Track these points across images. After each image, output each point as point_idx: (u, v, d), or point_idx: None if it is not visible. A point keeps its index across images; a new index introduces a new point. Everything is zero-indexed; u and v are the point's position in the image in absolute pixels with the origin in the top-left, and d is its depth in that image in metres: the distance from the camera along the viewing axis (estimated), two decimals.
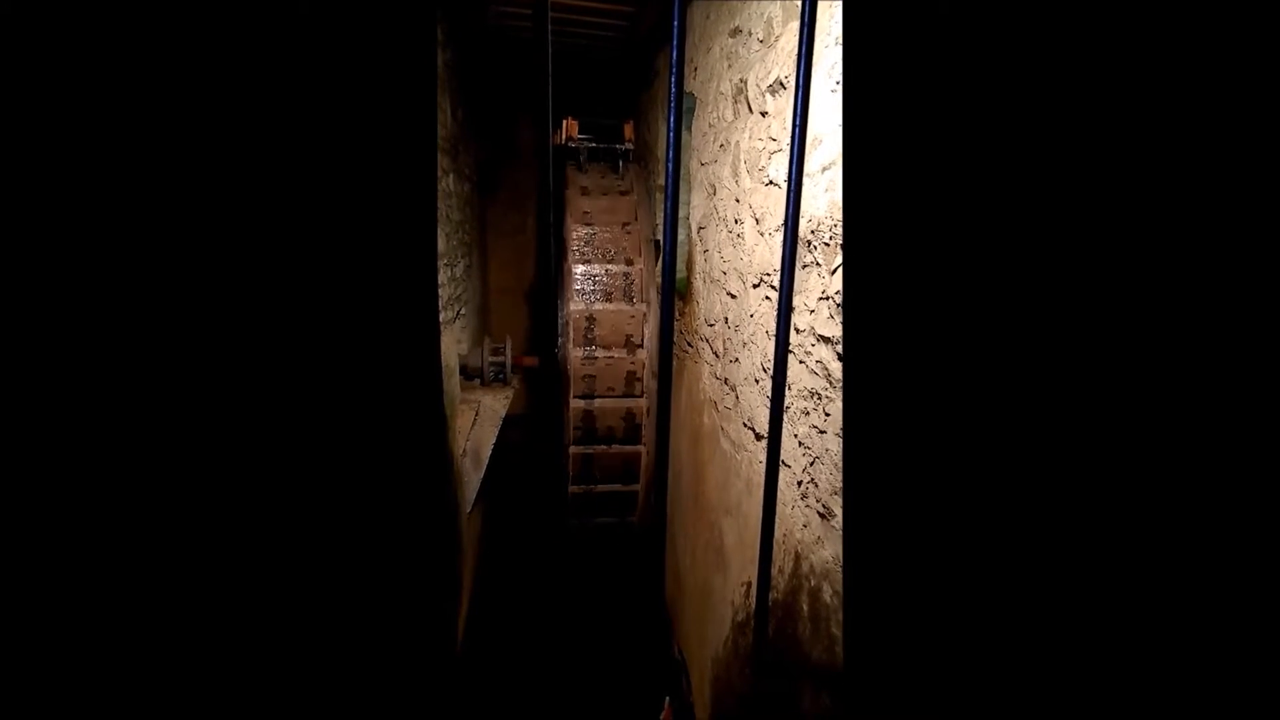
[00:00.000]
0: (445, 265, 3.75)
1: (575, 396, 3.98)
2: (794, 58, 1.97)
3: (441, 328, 3.57)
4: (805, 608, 1.87)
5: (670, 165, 0.72)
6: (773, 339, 2.11)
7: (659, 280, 4.10)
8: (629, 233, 3.91)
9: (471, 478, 3.94)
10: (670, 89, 0.69)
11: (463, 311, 4.42)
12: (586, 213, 3.97)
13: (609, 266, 3.90)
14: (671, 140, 0.72)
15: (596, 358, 3.91)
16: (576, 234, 3.92)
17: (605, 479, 4.11)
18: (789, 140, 1.97)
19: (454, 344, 4.04)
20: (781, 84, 2.15)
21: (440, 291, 3.55)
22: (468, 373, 4.12)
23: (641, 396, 3.96)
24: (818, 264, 1.80)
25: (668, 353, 0.82)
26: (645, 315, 3.85)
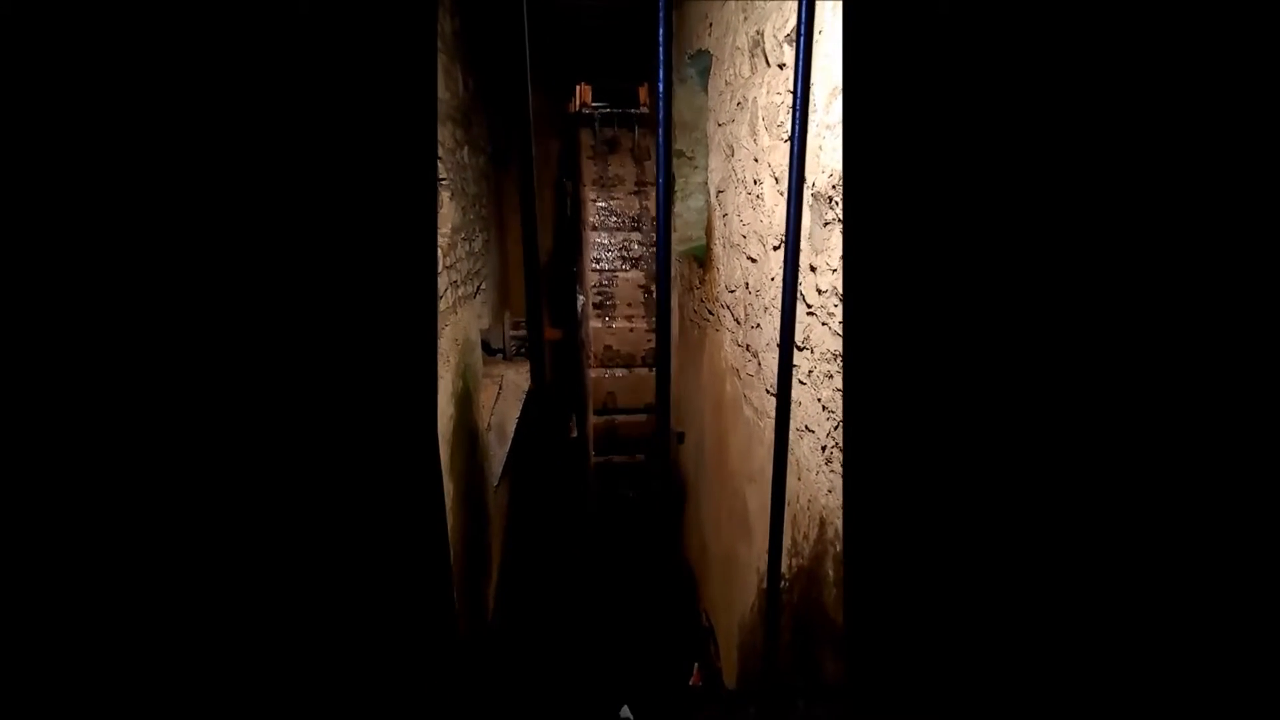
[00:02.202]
0: (464, 239, 3.73)
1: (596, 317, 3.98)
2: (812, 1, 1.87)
3: (462, 302, 3.56)
4: (831, 574, 1.84)
5: (662, 174, 0.66)
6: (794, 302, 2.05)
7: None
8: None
9: (496, 452, 3.97)
10: (659, 104, 0.63)
11: (483, 286, 4.40)
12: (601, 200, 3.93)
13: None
14: (662, 145, 0.67)
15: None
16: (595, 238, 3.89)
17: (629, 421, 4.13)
18: (810, 91, 1.88)
19: (475, 319, 4.05)
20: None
21: (459, 266, 3.53)
22: (489, 348, 4.13)
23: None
24: (840, 221, 1.72)
25: (665, 337, 0.78)
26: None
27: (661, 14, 0.65)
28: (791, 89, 2.14)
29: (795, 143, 0.76)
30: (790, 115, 2.17)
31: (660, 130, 0.66)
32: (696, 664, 3.53)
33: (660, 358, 0.75)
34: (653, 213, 3.92)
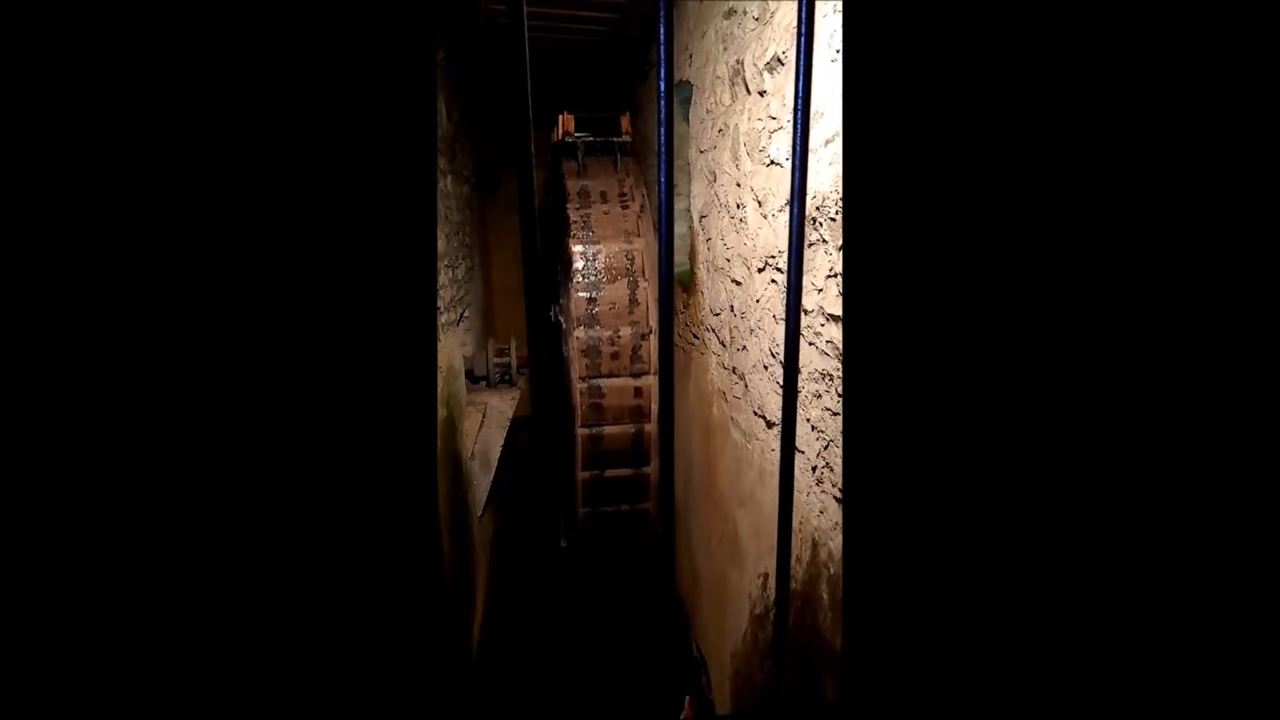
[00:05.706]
0: (447, 266, 3.72)
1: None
2: (792, 33, 1.91)
3: (445, 330, 3.53)
4: (825, 596, 1.82)
5: (663, 188, 0.67)
6: (780, 323, 2.05)
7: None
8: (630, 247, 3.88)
9: (480, 480, 3.89)
10: (660, 99, 0.64)
11: (466, 314, 4.38)
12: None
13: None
14: (664, 148, 0.67)
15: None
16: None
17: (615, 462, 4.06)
18: (790, 117, 1.91)
19: (458, 346, 4.01)
20: (779, 60, 2.09)
21: (442, 293, 3.51)
22: (473, 375, 4.09)
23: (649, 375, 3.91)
24: (824, 241, 1.74)
25: (668, 359, 0.77)
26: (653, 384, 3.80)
27: (662, 13, 0.66)
28: (773, 114, 2.18)
29: (796, 158, 0.76)
30: (774, 138, 2.21)
31: (661, 116, 0.66)
32: (688, 696, 3.44)
33: (663, 387, 0.73)
34: (631, 229, 3.94)
